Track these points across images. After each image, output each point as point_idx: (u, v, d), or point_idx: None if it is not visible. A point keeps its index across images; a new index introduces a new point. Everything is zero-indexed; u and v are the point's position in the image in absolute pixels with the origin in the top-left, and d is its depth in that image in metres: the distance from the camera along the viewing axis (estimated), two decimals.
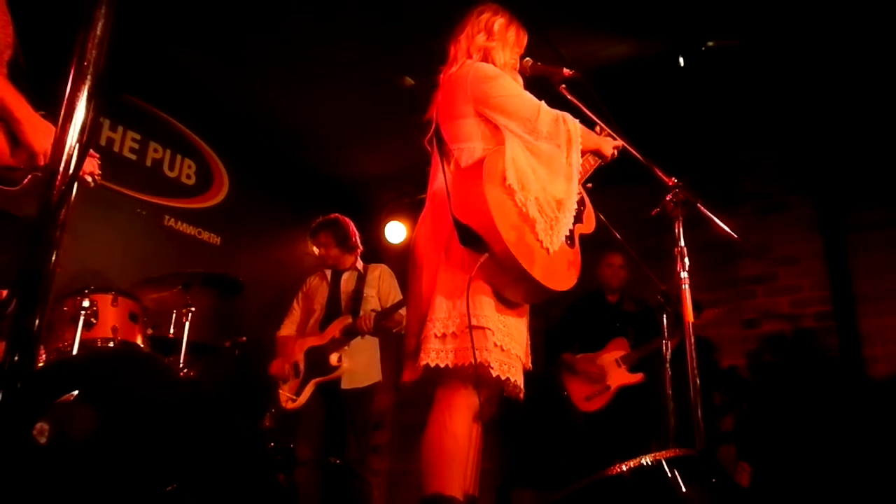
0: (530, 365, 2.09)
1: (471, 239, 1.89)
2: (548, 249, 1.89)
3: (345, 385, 3.65)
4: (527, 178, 1.93)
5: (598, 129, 2.33)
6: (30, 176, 1.95)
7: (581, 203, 2.18)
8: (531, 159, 1.99)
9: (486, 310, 1.91)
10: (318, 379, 3.65)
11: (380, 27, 3.90)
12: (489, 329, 1.89)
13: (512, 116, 2.04)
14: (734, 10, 3.67)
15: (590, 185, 2.25)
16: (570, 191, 2.01)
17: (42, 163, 1.88)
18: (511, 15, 2.31)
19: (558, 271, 1.96)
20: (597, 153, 2.26)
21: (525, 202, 1.89)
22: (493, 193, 1.87)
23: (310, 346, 3.76)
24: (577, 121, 2.12)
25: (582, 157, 2.17)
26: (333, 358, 3.64)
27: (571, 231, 2.06)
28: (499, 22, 2.26)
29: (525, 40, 2.31)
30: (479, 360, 1.85)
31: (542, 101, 2.11)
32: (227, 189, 4.96)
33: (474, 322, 1.89)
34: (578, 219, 2.13)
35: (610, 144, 2.28)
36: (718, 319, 3.99)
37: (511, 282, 1.92)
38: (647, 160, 2.22)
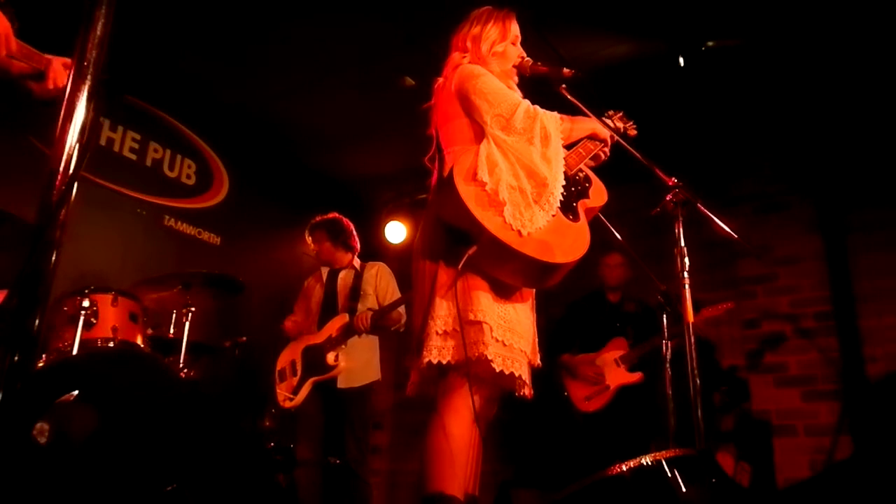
0: (539, 362, 2.09)
1: (458, 237, 1.93)
2: (519, 231, 1.90)
3: (341, 384, 3.64)
4: (498, 169, 1.96)
5: (609, 112, 2.33)
6: None
7: (586, 180, 2.22)
8: (507, 154, 2.01)
9: (483, 304, 1.92)
10: (315, 378, 3.64)
11: (380, 27, 3.89)
12: (486, 323, 1.90)
13: (487, 112, 2.05)
14: (734, 10, 3.67)
15: (582, 173, 2.24)
16: (552, 179, 2.01)
17: None
18: (486, 18, 2.28)
19: (558, 245, 1.96)
20: (593, 137, 2.26)
21: (496, 188, 1.92)
22: (464, 188, 1.92)
23: (307, 345, 3.75)
24: (555, 114, 2.12)
25: (575, 145, 2.20)
26: (330, 357, 3.63)
27: (576, 207, 2.10)
28: (472, 35, 2.26)
29: (506, 29, 2.28)
30: (477, 353, 1.87)
31: (526, 100, 2.11)
32: (227, 189, 4.96)
33: (470, 317, 1.91)
34: (584, 194, 2.17)
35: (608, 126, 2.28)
36: (718, 319, 3.99)
37: (508, 266, 1.94)
38: (647, 160, 2.22)
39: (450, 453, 1.88)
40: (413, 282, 2.15)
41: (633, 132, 2.41)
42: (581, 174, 2.20)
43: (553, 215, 1.99)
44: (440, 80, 2.27)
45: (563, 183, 2.05)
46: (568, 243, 2.00)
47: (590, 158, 2.24)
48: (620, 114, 2.43)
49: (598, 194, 2.21)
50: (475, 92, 2.08)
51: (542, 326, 2.16)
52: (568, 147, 2.16)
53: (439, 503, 1.84)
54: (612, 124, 2.35)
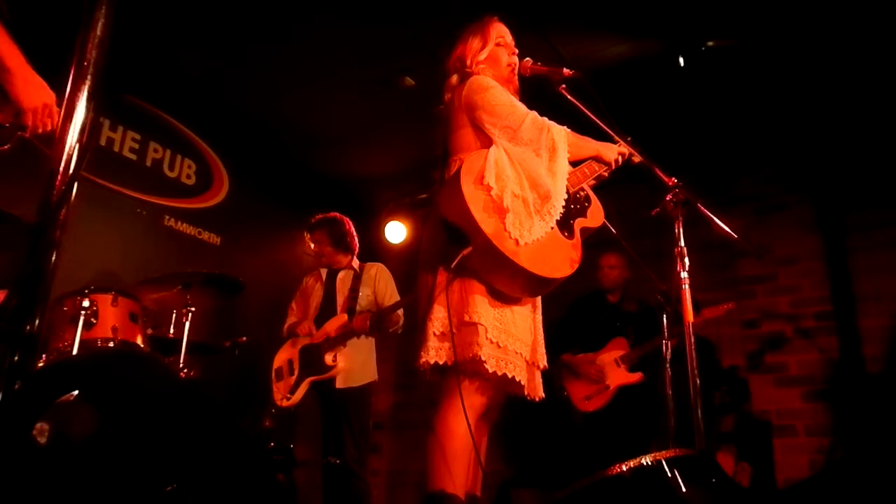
0: (545, 364, 2.10)
1: (455, 236, 1.95)
2: (517, 241, 1.91)
3: (339, 384, 3.63)
4: (505, 175, 1.98)
5: (618, 142, 2.34)
6: (17, 135, 1.72)
7: (586, 200, 2.23)
8: (514, 163, 2.03)
9: (479, 306, 1.94)
10: (312, 377, 3.64)
11: (380, 28, 3.89)
12: (481, 325, 1.91)
13: (496, 124, 2.09)
14: (734, 10, 3.67)
15: (583, 192, 2.25)
16: (555, 192, 2.02)
17: (30, 122, 1.66)
18: (467, 35, 2.32)
19: (550, 259, 1.98)
20: (598, 159, 2.26)
21: (501, 194, 1.94)
22: (469, 189, 1.93)
23: (304, 345, 3.75)
24: (564, 130, 2.14)
25: (580, 163, 2.21)
26: (328, 357, 3.62)
27: (572, 224, 2.11)
28: (457, 56, 2.30)
29: (486, 35, 2.30)
30: (471, 354, 1.88)
31: (533, 112, 2.13)
32: (227, 189, 4.96)
33: (466, 318, 1.93)
34: (582, 213, 2.18)
35: (613, 150, 2.29)
36: (718, 319, 3.99)
37: (500, 272, 1.95)
38: (648, 160, 2.22)
39: (452, 452, 1.89)
40: (417, 286, 2.17)
41: (636, 159, 2.41)
42: (582, 193, 2.22)
43: (551, 228, 2.00)
44: (443, 103, 2.29)
45: (565, 197, 2.07)
46: (559, 259, 2.01)
47: (591, 179, 2.25)
48: (627, 140, 2.43)
49: (595, 215, 2.23)
50: (483, 105, 2.11)
51: (543, 327, 2.17)
52: (572, 165, 2.17)
53: (440, 502, 1.85)
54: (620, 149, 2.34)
